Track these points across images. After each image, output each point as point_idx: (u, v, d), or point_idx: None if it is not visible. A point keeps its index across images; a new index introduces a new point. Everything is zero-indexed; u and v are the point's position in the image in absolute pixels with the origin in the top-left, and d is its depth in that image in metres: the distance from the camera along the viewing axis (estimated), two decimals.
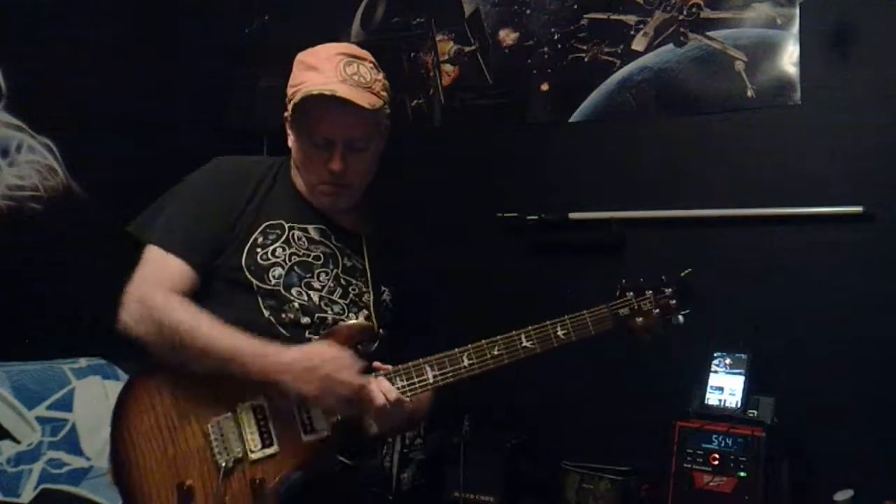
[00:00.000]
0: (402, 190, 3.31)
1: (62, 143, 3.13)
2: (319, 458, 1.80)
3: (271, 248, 1.87)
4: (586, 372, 3.03)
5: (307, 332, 1.85)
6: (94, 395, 3.15)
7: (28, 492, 3.00)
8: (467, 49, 3.38)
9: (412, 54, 3.47)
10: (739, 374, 2.66)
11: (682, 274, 1.93)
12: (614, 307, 1.93)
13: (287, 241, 1.89)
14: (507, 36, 3.31)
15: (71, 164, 3.16)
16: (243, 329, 1.81)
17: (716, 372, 2.70)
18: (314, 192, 1.91)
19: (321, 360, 1.74)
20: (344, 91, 1.80)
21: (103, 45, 3.20)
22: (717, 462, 2.53)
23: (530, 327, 1.88)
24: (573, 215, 3.08)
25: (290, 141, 1.92)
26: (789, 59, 2.83)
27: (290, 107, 1.86)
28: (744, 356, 2.68)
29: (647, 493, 2.78)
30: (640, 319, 1.92)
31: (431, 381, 1.83)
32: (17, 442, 3.01)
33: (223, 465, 1.77)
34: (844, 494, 2.49)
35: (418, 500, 3.07)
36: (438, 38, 3.43)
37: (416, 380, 1.83)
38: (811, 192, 2.78)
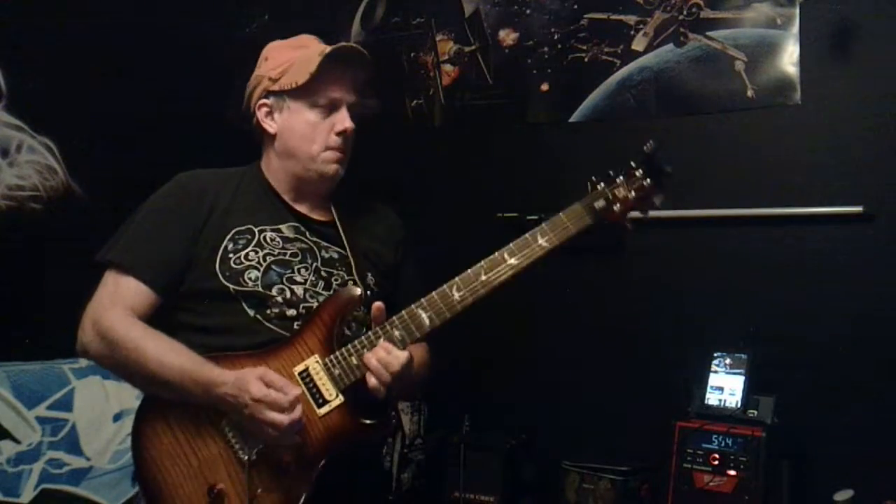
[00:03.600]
0: (402, 190, 3.32)
1: (62, 143, 3.13)
2: (339, 428, 1.79)
3: (243, 252, 1.85)
4: (586, 372, 3.03)
5: (294, 324, 1.84)
6: (94, 395, 3.15)
7: (28, 492, 3.00)
8: (467, 49, 3.38)
9: (412, 54, 3.47)
10: (739, 374, 2.66)
11: (645, 148, 1.84)
12: (588, 201, 1.88)
13: (259, 244, 1.87)
14: (507, 36, 3.31)
15: (71, 164, 3.16)
16: (230, 330, 1.82)
17: (716, 372, 2.69)
18: (315, 165, 1.91)
19: (246, 393, 1.72)
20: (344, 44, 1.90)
21: (103, 46, 3.20)
22: (717, 462, 2.53)
23: (511, 244, 1.88)
24: None
25: (276, 126, 1.93)
26: (789, 59, 2.83)
27: (285, 81, 1.89)
28: (744, 356, 2.68)
29: (647, 493, 2.78)
30: (618, 206, 1.85)
31: (428, 323, 1.81)
32: (17, 442, 3.01)
33: (245, 458, 1.76)
34: (844, 494, 2.49)
35: (418, 500, 3.07)
36: (438, 38, 3.43)
37: (412, 326, 1.81)
38: (811, 192, 2.78)
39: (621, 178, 1.86)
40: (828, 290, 2.74)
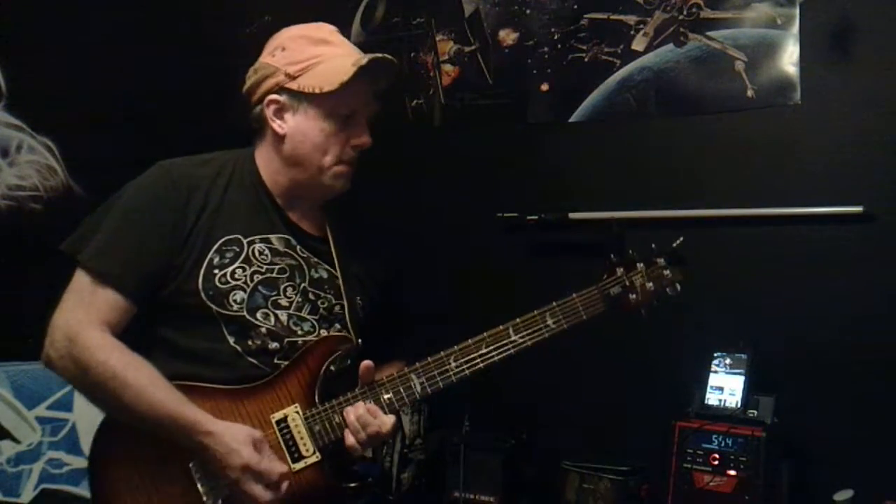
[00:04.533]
0: (402, 190, 3.33)
1: (62, 143, 3.14)
2: (312, 486, 1.69)
3: (230, 269, 1.72)
4: (586, 372, 3.03)
5: (276, 358, 1.73)
6: None
7: (28, 492, 3.01)
8: (467, 49, 3.38)
9: (412, 54, 3.47)
10: (739, 374, 2.66)
11: (675, 244, 1.83)
12: (605, 287, 1.80)
13: (247, 260, 1.74)
14: (507, 36, 3.31)
15: (71, 164, 3.16)
16: (208, 359, 1.70)
17: (716, 372, 2.69)
18: (324, 178, 1.79)
19: (237, 456, 1.61)
20: (378, 54, 1.79)
21: (103, 45, 3.20)
22: (717, 462, 2.53)
23: (518, 319, 1.78)
24: (573, 215, 3.08)
25: (286, 128, 1.77)
26: (789, 59, 2.82)
27: (306, 82, 1.74)
28: (744, 356, 2.68)
29: (647, 493, 2.78)
30: (634, 296, 1.80)
31: (419, 390, 1.73)
32: (17, 442, 3.01)
33: None
34: (844, 494, 2.49)
35: (418, 500, 3.07)
36: (438, 38, 3.43)
37: (402, 391, 1.73)
38: (811, 192, 2.77)
39: (642, 265, 1.80)
40: (828, 290, 2.74)
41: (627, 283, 1.80)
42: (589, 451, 2.87)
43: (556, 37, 3.20)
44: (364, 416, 1.69)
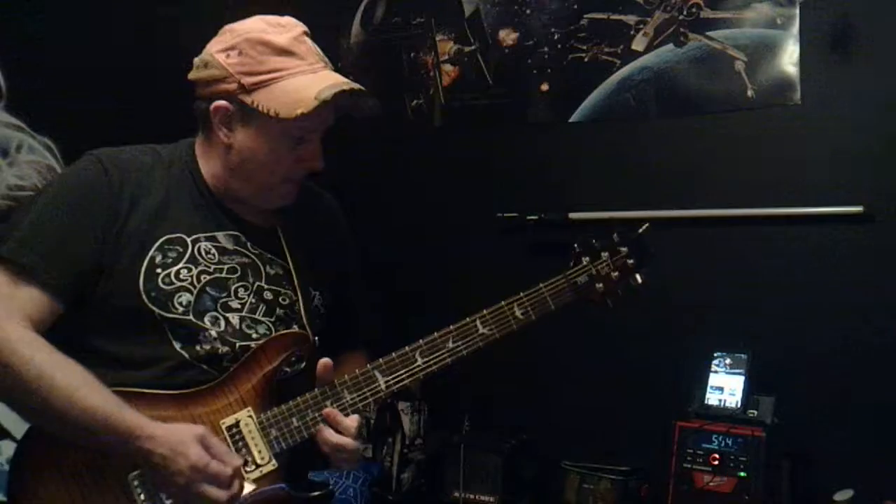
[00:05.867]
0: (402, 190, 3.33)
1: (62, 143, 3.13)
2: (268, 497, 1.57)
3: (174, 269, 1.58)
4: (586, 372, 3.03)
5: (225, 362, 1.60)
6: None
7: None
8: (467, 49, 3.38)
9: (412, 54, 3.47)
10: (739, 374, 2.66)
11: (640, 230, 1.78)
12: (572, 276, 1.75)
13: (192, 260, 1.60)
14: (507, 36, 3.31)
15: (71, 164, 3.16)
16: (151, 367, 1.56)
17: (716, 372, 2.69)
18: (270, 196, 1.66)
19: (182, 457, 1.45)
20: (344, 81, 1.60)
21: (104, 46, 3.20)
22: (717, 462, 2.53)
23: (485, 311, 1.72)
24: (573, 215, 3.08)
25: (232, 139, 1.63)
26: (789, 59, 2.82)
27: (262, 101, 1.56)
28: (744, 356, 2.68)
29: (647, 493, 2.78)
30: (600, 285, 1.75)
31: (384, 388, 1.63)
32: (17, 442, 3.00)
33: None
34: (844, 494, 2.49)
35: (418, 500, 3.07)
36: (438, 38, 3.43)
37: (366, 390, 1.63)
38: (811, 192, 2.77)
39: (606, 254, 1.76)
40: (828, 291, 2.74)
41: (594, 272, 1.75)
42: (589, 451, 2.88)
43: (556, 37, 3.21)
44: (341, 443, 1.59)
